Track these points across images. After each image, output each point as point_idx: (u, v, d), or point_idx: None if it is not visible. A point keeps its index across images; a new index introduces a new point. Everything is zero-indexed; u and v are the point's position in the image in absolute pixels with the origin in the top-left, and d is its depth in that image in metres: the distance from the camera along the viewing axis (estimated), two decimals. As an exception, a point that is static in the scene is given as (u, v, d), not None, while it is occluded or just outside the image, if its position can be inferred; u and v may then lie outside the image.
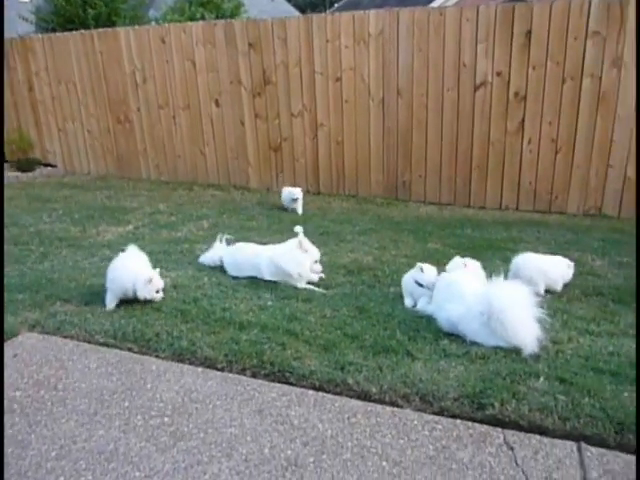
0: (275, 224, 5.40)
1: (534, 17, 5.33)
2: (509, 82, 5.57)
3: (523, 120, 5.62)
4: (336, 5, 16.84)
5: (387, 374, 2.47)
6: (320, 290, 3.58)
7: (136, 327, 2.97)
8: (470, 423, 2.17)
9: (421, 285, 3.19)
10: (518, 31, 5.40)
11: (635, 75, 5.10)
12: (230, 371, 2.57)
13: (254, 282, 3.69)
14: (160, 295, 3.28)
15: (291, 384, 2.45)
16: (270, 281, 3.65)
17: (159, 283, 3.25)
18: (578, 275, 3.56)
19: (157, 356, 2.72)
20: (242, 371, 2.56)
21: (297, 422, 2.19)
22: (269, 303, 3.32)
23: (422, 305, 3.16)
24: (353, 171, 6.56)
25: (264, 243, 4.28)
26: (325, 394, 2.36)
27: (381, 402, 2.31)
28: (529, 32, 5.36)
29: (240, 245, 4.03)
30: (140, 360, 2.67)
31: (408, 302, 3.27)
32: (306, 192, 5.82)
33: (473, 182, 6.00)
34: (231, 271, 3.87)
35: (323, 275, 3.75)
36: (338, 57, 6.20)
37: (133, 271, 3.20)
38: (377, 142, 6.32)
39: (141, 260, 3.35)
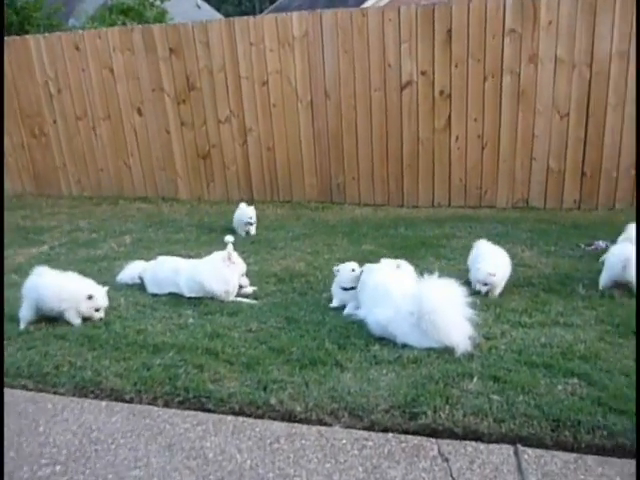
0: (204, 235, 5.12)
1: (453, 17, 5.37)
2: (434, 81, 5.58)
3: (449, 118, 5.64)
4: (265, 12, 16.72)
5: (314, 389, 2.27)
6: (248, 301, 3.35)
7: (33, 360, 2.62)
8: (402, 436, 2.01)
9: (346, 288, 3.04)
10: (439, 30, 5.43)
11: (555, 71, 5.27)
12: (139, 402, 2.29)
13: (176, 298, 3.40)
14: (100, 314, 3.08)
15: (208, 410, 2.21)
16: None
17: (101, 301, 3.07)
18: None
19: (55, 392, 2.40)
20: (153, 400, 2.29)
21: (212, 455, 1.94)
22: (190, 320, 3.05)
23: (350, 309, 3.01)
24: (286, 176, 6.37)
25: (191, 256, 4.01)
26: (245, 418, 2.14)
27: (307, 422, 2.11)
28: (449, 31, 5.40)
29: (161, 259, 3.73)
30: (34, 399, 2.34)
31: (335, 302, 3.14)
32: (240, 200, 5.56)
33: (405, 181, 5.96)
34: (151, 288, 3.56)
35: (256, 288, 3.53)
36: (263, 60, 6.01)
37: (71, 288, 3.04)
38: (308, 145, 6.16)
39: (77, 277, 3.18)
